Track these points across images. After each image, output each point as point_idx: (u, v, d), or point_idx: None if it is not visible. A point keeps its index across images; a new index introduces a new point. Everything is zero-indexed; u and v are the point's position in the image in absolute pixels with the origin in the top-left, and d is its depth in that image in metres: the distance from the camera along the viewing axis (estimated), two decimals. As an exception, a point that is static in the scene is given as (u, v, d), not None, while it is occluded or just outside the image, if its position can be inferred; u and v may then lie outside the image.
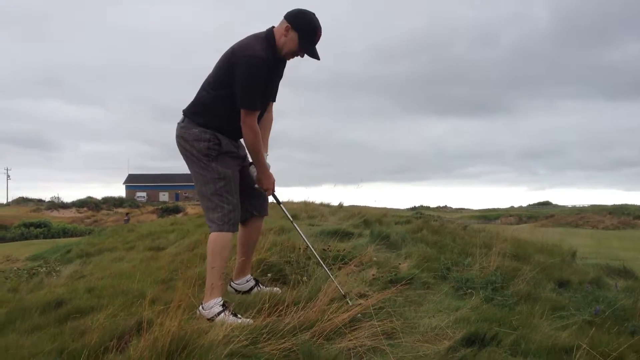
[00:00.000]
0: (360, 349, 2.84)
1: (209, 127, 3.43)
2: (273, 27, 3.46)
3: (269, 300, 3.30)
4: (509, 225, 42.06)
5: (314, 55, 3.42)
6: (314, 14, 3.40)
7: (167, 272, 5.07)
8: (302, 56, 3.47)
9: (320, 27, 3.41)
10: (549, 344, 3.01)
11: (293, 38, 3.37)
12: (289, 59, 3.53)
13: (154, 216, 51.65)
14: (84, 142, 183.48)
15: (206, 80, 3.53)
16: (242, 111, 3.33)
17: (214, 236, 3.40)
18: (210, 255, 3.39)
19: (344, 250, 5.04)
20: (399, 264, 4.84)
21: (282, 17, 3.42)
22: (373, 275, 4.29)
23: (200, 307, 3.31)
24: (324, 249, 4.92)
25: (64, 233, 44.00)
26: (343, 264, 4.46)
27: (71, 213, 63.61)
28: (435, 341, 3.03)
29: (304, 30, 3.37)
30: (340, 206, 11.99)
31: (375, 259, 4.96)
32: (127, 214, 46.94)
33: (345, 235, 6.39)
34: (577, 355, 2.77)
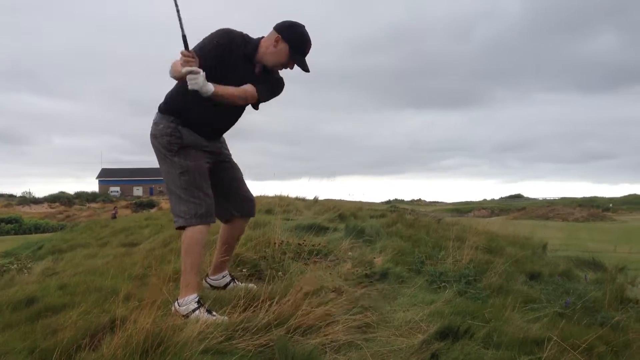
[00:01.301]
0: (335, 343, 2.85)
1: (173, 114, 3.35)
2: (262, 37, 3.41)
3: (244, 297, 3.30)
4: (481, 218, 42.61)
5: (304, 67, 3.38)
6: (304, 27, 3.37)
7: (141, 268, 5.02)
8: (292, 68, 3.41)
9: (310, 40, 3.37)
10: (520, 336, 3.07)
11: (283, 49, 3.32)
12: (276, 71, 3.47)
13: (128, 211, 51.05)
14: (56, 136, 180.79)
15: None
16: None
17: (186, 232, 3.35)
18: (183, 251, 3.35)
19: (319, 244, 5.05)
20: (374, 258, 4.86)
21: (272, 29, 3.36)
22: (348, 269, 4.31)
23: (176, 303, 3.28)
24: (299, 244, 4.92)
25: (36, 229, 43.29)
26: (318, 258, 4.48)
27: (43, 208, 62.46)
28: (409, 335, 3.07)
29: (295, 42, 3.32)
30: (316, 200, 11.96)
31: (350, 253, 4.98)
32: (114, 207, 45.87)
33: (320, 229, 6.40)
34: (548, 347, 2.82)
